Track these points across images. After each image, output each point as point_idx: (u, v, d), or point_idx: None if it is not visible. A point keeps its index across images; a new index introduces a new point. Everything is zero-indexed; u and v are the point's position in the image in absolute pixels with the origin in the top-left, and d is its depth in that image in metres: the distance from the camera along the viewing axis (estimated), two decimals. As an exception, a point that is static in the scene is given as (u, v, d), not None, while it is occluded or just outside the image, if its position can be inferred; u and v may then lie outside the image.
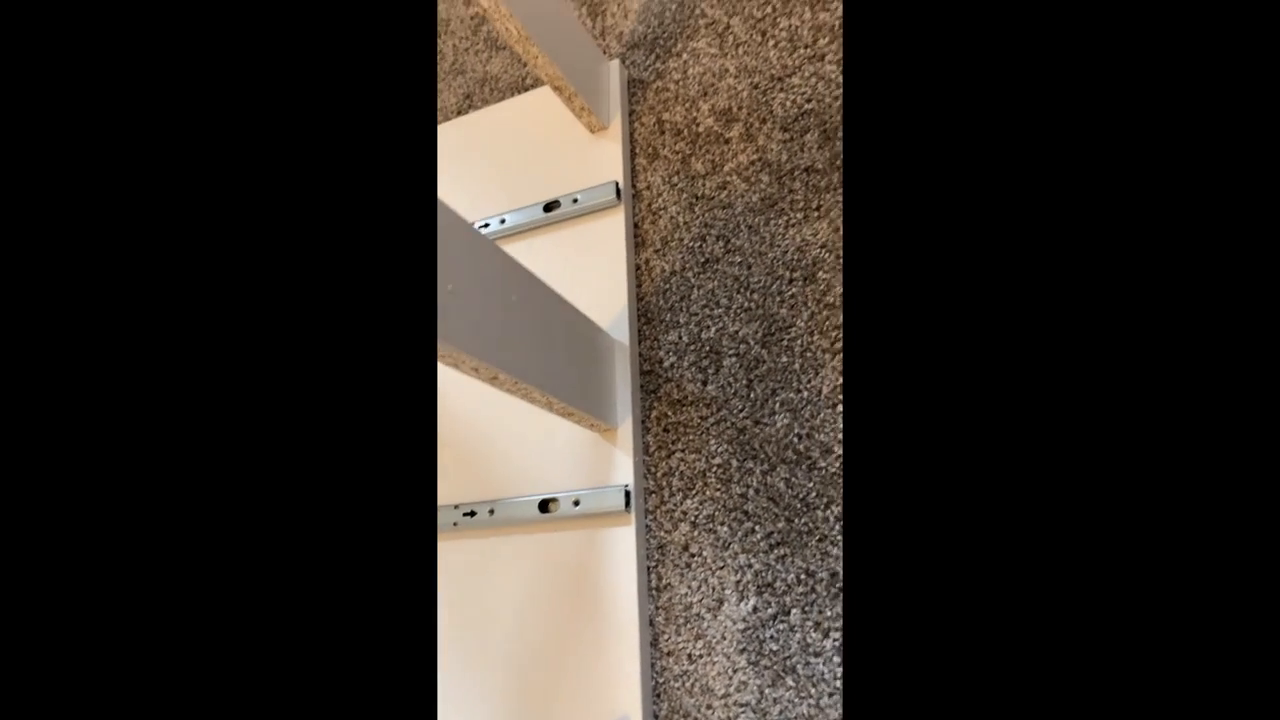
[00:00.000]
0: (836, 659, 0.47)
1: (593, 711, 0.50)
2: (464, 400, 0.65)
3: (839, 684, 0.47)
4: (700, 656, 0.52)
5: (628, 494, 0.55)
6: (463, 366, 0.39)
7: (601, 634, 0.53)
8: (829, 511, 0.51)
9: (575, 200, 0.66)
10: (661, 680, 0.52)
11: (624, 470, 0.56)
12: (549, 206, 0.67)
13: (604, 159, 0.68)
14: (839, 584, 0.49)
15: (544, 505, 0.57)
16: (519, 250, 0.68)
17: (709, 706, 0.50)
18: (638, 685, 0.51)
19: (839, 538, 0.50)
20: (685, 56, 0.71)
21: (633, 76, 0.72)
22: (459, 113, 0.82)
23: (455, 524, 0.60)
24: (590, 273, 0.63)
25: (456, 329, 0.38)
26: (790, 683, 0.48)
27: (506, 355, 0.42)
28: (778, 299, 0.58)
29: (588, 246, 0.65)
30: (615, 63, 0.71)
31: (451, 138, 0.78)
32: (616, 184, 0.66)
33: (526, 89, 0.79)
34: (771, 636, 0.50)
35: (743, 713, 0.49)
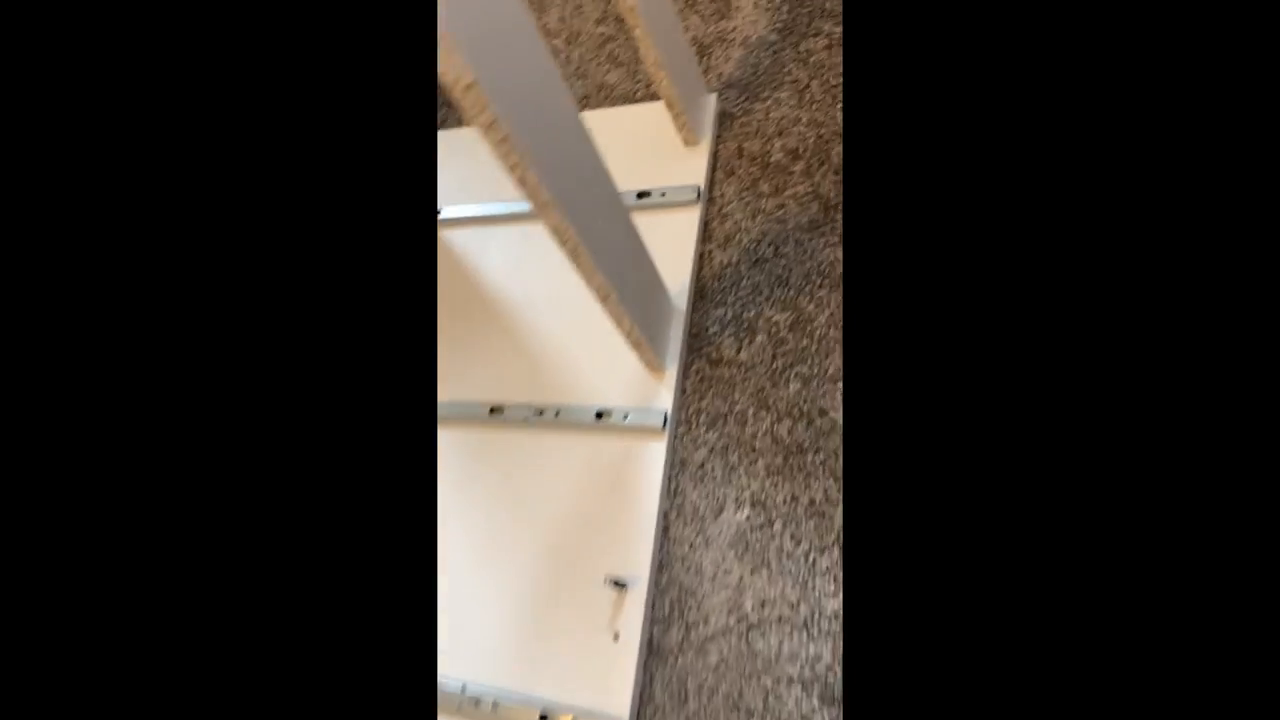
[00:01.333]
0: (804, 561, 0.63)
1: (612, 568, 0.66)
2: (551, 320, 0.81)
3: (803, 579, 0.62)
4: (699, 546, 0.67)
5: (665, 417, 0.71)
6: (592, 282, 0.55)
7: (628, 518, 0.68)
8: (815, 456, 0.67)
9: (663, 194, 0.83)
10: (666, 559, 0.67)
11: (665, 400, 0.72)
12: (641, 194, 0.84)
13: (691, 167, 0.85)
14: (814, 509, 0.65)
15: (599, 414, 0.73)
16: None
17: (699, 583, 0.66)
18: (648, 559, 0.66)
19: (820, 475, 0.65)
20: (769, 102, 0.88)
21: (724, 109, 0.90)
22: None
23: (527, 419, 0.76)
24: (664, 253, 0.80)
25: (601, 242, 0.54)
26: (764, 574, 0.64)
27: (619, 272, 0.58)
28: (808, 297, 0.74)
29: (666, 232, 0.81)
30: (713, 95, 0.89)
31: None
32: (698, 187, 0.83)
33: (635, 101, 0.97)
34: (756, 539, 0.65)
35: (724, 590, 0.64)
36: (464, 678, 0.66)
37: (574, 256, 0.56)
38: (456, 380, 0.82)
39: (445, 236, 0.94)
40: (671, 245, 0.80)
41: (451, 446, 0.79)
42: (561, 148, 0.53)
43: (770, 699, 0.59)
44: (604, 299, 0.62)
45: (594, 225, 0.57)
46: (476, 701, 0.64)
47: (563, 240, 0.55)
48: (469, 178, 0.98)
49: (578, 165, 0.55)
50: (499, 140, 0.46)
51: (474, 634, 0.68)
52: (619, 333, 0.68)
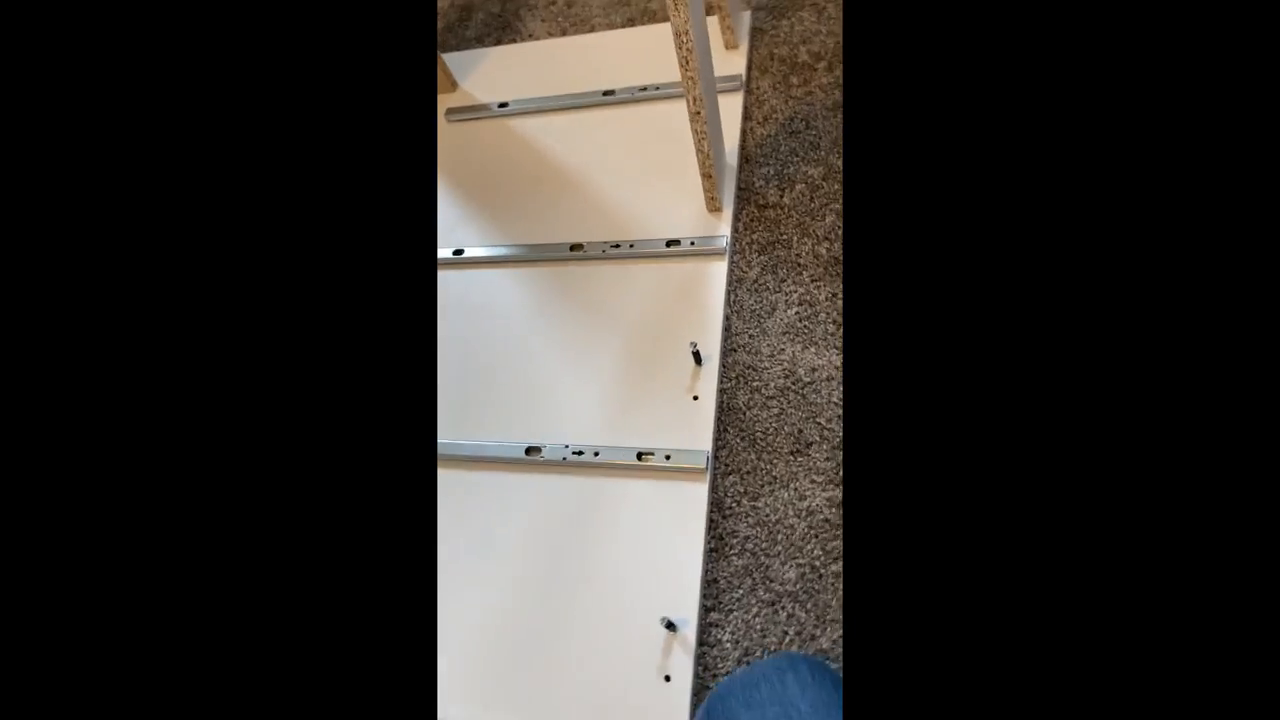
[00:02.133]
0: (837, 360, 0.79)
1: (684, 351, 0.80)
2: (629, 174, 0.96)
3: (844, 349, 0.78)
4: (758, 336, 0.82)
5: (726, 242, 0.87)
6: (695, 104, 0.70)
7: (698, 323, 0.83)
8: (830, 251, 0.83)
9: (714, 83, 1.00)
10: (730, 347, 0.82)
11: (724, 229, 0.88)
12: (693, 83, 1.01)
13: (733, 64, 1.02)
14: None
15: (669, 243, 0.88)
16: (671, 107, 1.01)
17: (759, 360, 0.81)
18: (718, 340, 0.81)
19: (838, 271, 0.82)
20: (793, 19, 1.07)
21: (756, 25, 1.08)
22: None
23: (604, 253, 0.90)
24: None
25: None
26: (813, 350, 0.80)
27: (710, 109, 0.74)
28: (837, 155, 0.92)
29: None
30: (748, 13, 1.07)
31: (635, 40, 1.12)
32: (740, 77, 1.00)
33: (676, 22, 1.14)
34: (804, 326, 0.81)
35: (780, 364, 0.80)
36: (570, 440, 0.79)
37: (693, 100, 0.72)
38: (542, 226, 0.96)
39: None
40: (721, 123, 0.97)
41: (538, 280, 0.92)
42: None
43: (824, 431, 0.75)
44: (697, 118, 0.77)
45: (707, 85, 0.73)
46: (580, 452, 0.77)
47: (691, 89, 0.70)
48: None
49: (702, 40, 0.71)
50: None
51: (581, 407, 0.81)
52: (698, 163, 0.83)
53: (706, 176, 0.85)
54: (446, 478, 0.81)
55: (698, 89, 0.74)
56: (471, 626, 0.72)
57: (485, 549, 0.76)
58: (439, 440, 0.83)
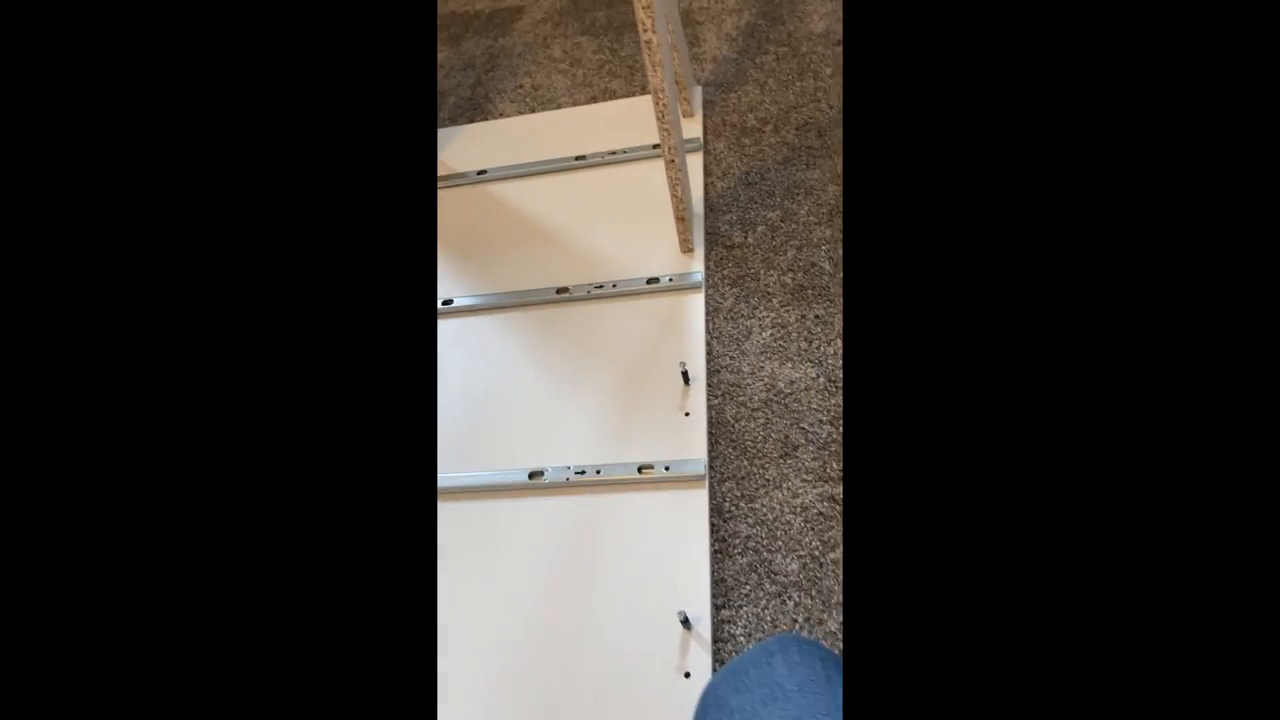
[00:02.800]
0: (818, 351, 0.87)
1: (674, 375, 0.86)
2: (605, 226, 1.05)
3: (818, 360, 0.86)
4: (738, 357, 0.90)
5: (701, 277, 0.95)
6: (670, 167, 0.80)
7: (681, 352, 0.90)
8: (812, 290, 0.93)
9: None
10: (714, 367, 0.89)
11: (698, 266, 0.97)
12: (655, 145, 1.13)
13: (692, 129, 1.15)
14: (820, 320, 0.89)
15: (650, 280, 0.96)
16: (640, 168, 1.12)
17: (741, 378, 0.87)
18: (703, 364, 0.88)
19: (819, 301, 0.91)
20: (739, 92, 1.22)
21: (707, 99, 1.22)
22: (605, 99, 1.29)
23: (589, 294, 0.97)
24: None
25: None
26: (790, 365, 0.87)
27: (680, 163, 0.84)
28: (790, 200, 1.04)
29: (678, 170, 1.09)
30: (699, 88, 1.22)
31: (600, 113, 1.25)
32: (699, 139, 1.13)
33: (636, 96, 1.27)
34: (779, 345, 0.89)
35: (762, 379, 0.87)
36: (571, 462, 0.82)
37: (668, 150, 0.82)
38: (528, 274, 1.03)
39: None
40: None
41: (528, 322, 0.98)
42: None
43: (809, 434, 0.81)
44: (672, 165, 0.87)
45: (678, 137, 0.84)
46: (582, 471, 0.81)
47: (667, 139, 0.80)
48: (506, 152, 1.22)
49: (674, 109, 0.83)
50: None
51: (580, 431, 0.85)
52: (672, 207, 0.93)
53: (680, 220, 0.95)
54: (453, 509, 0.83)
55: (672, 139, 0.84)
56: (492, 645, 0.72)
57: (496, 572, 0.77)
58: (442, 475, 0.85)
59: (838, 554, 0.73)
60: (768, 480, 0.80)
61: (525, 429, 0.88)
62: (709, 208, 1.07)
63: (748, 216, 1.04)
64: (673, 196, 0.92)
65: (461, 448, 0.88)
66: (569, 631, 0.72)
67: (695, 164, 1.11)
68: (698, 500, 0.78)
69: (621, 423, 0.85)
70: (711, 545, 0.75)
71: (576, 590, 0.74)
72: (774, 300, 0.94)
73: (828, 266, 0.95)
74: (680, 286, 0.96)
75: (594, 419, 0.87)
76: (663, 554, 0.75)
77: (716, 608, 0.72)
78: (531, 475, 0.83)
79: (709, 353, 0.91)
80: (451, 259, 1.09)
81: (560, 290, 0.99)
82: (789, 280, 0.96)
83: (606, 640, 0.70)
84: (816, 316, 0.91)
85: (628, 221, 1.06)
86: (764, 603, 0.72)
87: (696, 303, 0.95)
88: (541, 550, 0.78)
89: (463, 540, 0.81)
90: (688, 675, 0.67)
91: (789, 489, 0.78)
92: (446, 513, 0.83)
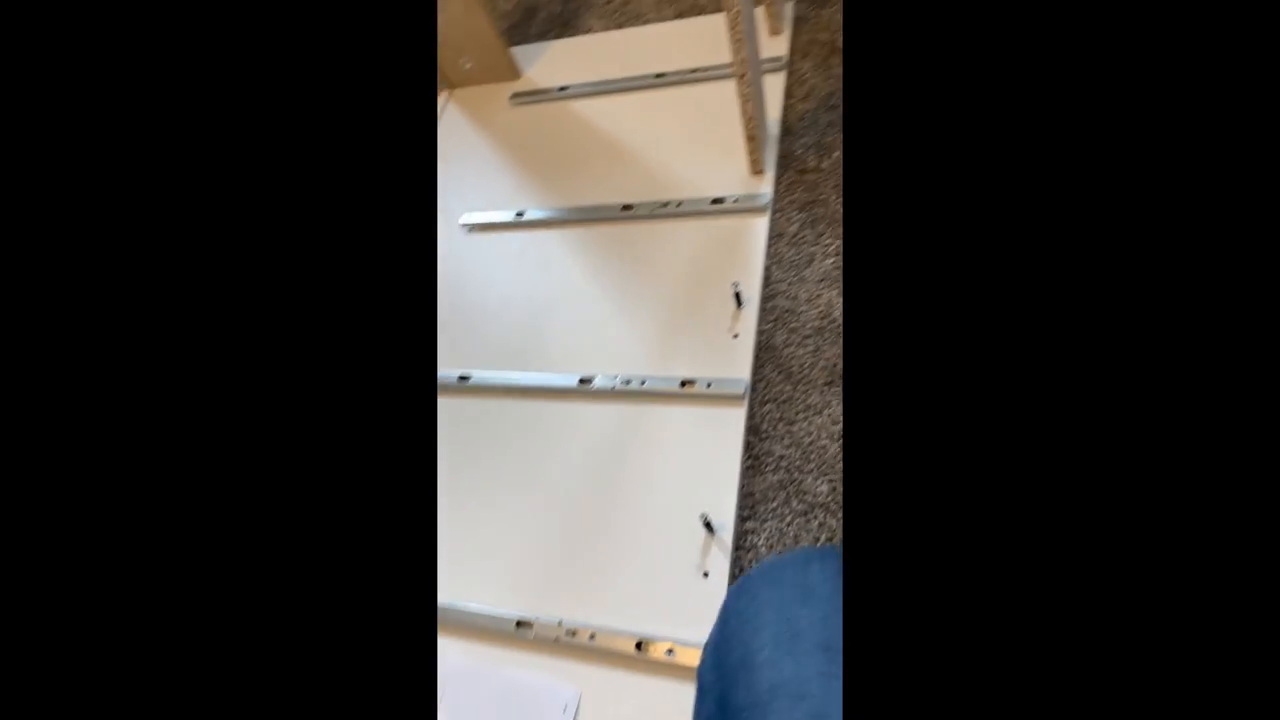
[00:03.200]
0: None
1: (727, 298, 0.87)
2: (675, 136, 1.05)
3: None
4: (796, 283, 0.89)
5: (768, 199, 0.94)
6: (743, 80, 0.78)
7: (739, 271, 0.90)
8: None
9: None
10: (769, 294, 0.89)
11: (766, 188, 0.95)
12: (738, 65, 1.09)
13: (777, 48, 1.10)
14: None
15: (715, 200, 0.96)
16: (718, 87, 1.09)
17: (797, 305, 0.87)
18: (757, 291, 0.88)
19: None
20: (833, 8, 1.15)
21: (798, 15, 1.16)
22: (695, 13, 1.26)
23: (653, 213, 0.98)
24: (757, 103, 1.05)
25: None
26: (847, 296, 0.85)
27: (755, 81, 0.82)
28: (872, 126, 0.99)
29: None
30: (791, 3, 1.15)
31: (684, 30, 1.22)
32: (783, 58, 1.08)
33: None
34: (840, 273, 0.87)
35: (817, 307, 0.86)
36: (619, 372, 0.86)
37: (739, 64, 0.80)
38: (596, 191, 1.05)
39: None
40: (766, 98, 1.05)
41: (592, 238, 1.01)
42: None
43: (857, 363, 0.80)
44: (743, 80, 0.85)
45: (752, 51, 0.81)
46: (629, 381, 0.84)
47: (738, 51, 0.78)
48: (589, 69, 1.23)
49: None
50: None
51: (630, 343, 0.88)
52: (743, 125, 0.91)
53: (750, 139, 0.93)
54: (508, 407, 0.89)
55: (744, 53, 0.81)
56: (531, 531, 0.79)
57: (543, 467, 0.83)
58: (503, 374, 0.91)
59: (869, 481, 0.73)
60: (809, 406, 0.80)
61: (580, 338, 0.92)
62: (786, 130, 1.04)
63: (825, 141, 1.00)
64: (743, 114, 0.89)
65: (523, 351, 0.93)
66: (602, 523, 0.77)
67: (777, 84, 1.07)
68: (735, 418, 0.79)
69: (670, 339, 0.87)
70: (744, 461, 0.77)
71: (613, 487, 0.79)
72: (841, 228, 0.91)
73: (902, 195, 0.91)
74: (745, 208, 0.95)
75: (645, 333, 0.89)
76: (696, 464, 0.77)
77: (742, 518, 0.75)
78: (582, 381, 0.87)
79: (766, 277, 0.91)
80: (526, 173, 1.13)
81: (626, 207, 1.01)
82: (859, 208, 0.92)
83: (635, 534, 0.75)
84: (883, 246, 0.88)
85: (701, 141, 1.04)
86: (789, 519, 0.73)
87: (760, 226, 0.94)
88: (585, 449, 0.83)
89: (518, 434, 0.87)
90: (706, 575, 0.71)
91: (830, 415, 0.78)
92: (506, 409, 0.90)
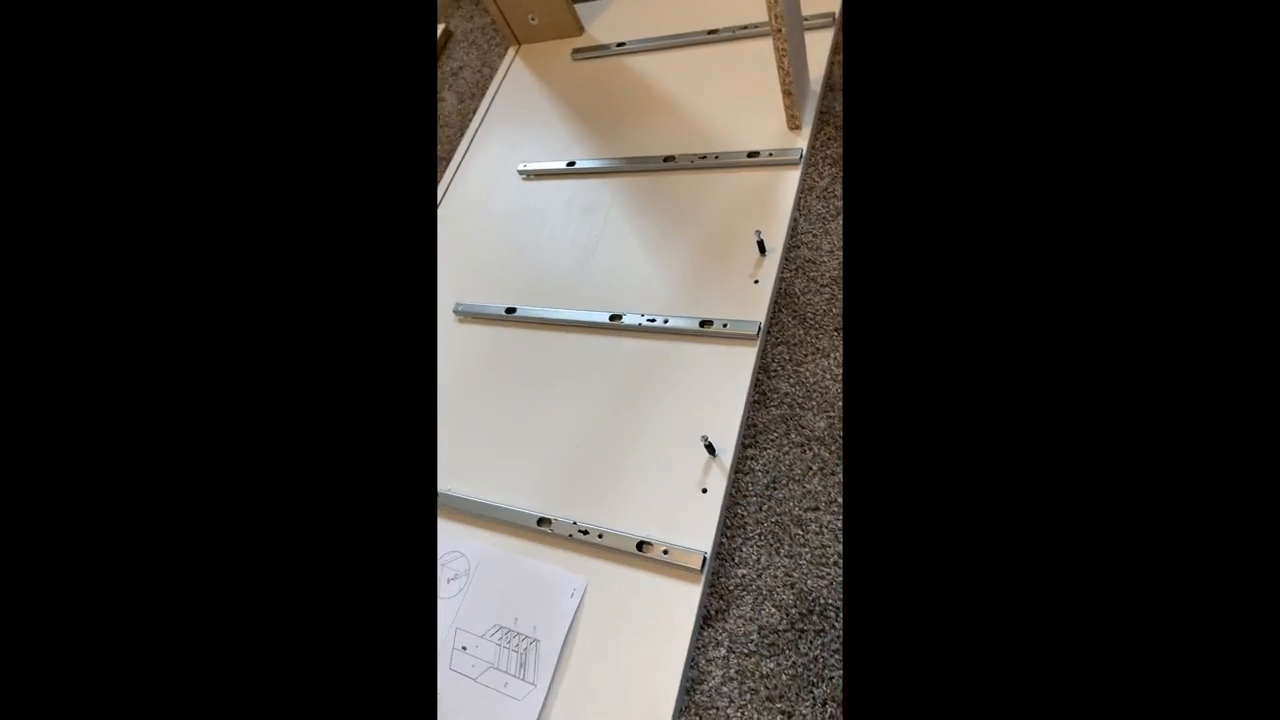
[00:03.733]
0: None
1: (753, 246, 0.92)
2: (715, 92, 1.09)
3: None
4: (820, 235, 0.93)
5: (801, 154, 0.97)
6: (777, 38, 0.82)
7: (767, 223, 0.95)
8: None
9: (807, 19, 1.11)
10: (793, 243, 0.93)
11: (801, 143, 0.99)
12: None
13: (829, 3, 1.12)
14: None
15: (751, 154, 1.00)
16: (767, 43, 1.12)
17: (819, 255, 0.91)
18: (781, 243, 0.92)
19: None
20: (893, -37, 1.14)
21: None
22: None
23: (693, 163, 1.04)
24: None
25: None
26: (868, 248, 0.89)
27: (792, 36, 0.86)
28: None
29: (806, 43, 1.08)
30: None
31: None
32: (834, 15, 1.10)
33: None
34: (863, 229, 0.91)
35: (838, 257, 0.90)
36: (645, 310, 0.94)
37: (774, 19, 0.84)
38: (641, 142, 1.11)
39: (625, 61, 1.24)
40: (811, 54, 1.07)
41: (634, 187, 1.08)
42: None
43: (868, 312, 0.84)
44: (778, 35, 0.89)
45: (789, 6, 0.85)
46: (653, 319, 0.92)
47: (773, 6, 0.82)
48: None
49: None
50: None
51: (658, 285, 0.96)
52: (779, 79, 0.95)
53: (787, 94, 0.96)
54: (547, 338, 0.99)
55: (779, 6, 0.85)
56: (558, 444, 0.89)
57: (572, 392, 0.93)
58: (546, 309, 1.01)
59: (865, 420, 0.78)
60: (819, 349, 0.85)
61: (615, 278, 1.00)
62: (829, 86, 1.06)
63: (866, 97, 1.02)
64: (779, 69, 0.93)
65: (566, 289, 1.03)
66: (619, 441, 0.86)
67: (825, 40, 1.09)
68: (747, 356, 0.86)
69: (696, 282, 0.94)
70: (751, 395, 0.84)
71: (631, 411, 0.88)
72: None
73: (934, 152, 0.93)
74: (779, 162, 0.99)
75: (673, 276, 0.96)
76: (707, 394, 0.85)
77: (743, 445, 0.82)
78: (612, 317, 0.95)
79: (793, 228, 0.95)
80: (580, 125, 1.20)
81: (667, 159, 1.07)
82: (890, 164, 0.95)
83: (647, 452, 0.84)
84: (908, 202, 0.90)
85: (745, 96, 1.08)
86: (786, 449, 0.80)
87: (792, 179, 0.98)
88: (610, 377, 0.92)
89: (552, 364, 0.97)
90: (704, 491, 0.79)
91: (837, 359, 0.83)
92: (545, 340, 0.99)
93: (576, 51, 1.30)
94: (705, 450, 0.80)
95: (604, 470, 0.85)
